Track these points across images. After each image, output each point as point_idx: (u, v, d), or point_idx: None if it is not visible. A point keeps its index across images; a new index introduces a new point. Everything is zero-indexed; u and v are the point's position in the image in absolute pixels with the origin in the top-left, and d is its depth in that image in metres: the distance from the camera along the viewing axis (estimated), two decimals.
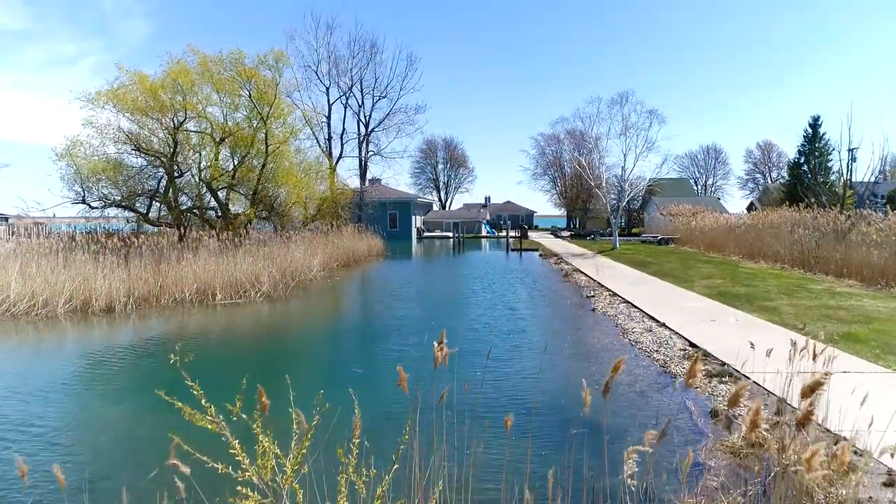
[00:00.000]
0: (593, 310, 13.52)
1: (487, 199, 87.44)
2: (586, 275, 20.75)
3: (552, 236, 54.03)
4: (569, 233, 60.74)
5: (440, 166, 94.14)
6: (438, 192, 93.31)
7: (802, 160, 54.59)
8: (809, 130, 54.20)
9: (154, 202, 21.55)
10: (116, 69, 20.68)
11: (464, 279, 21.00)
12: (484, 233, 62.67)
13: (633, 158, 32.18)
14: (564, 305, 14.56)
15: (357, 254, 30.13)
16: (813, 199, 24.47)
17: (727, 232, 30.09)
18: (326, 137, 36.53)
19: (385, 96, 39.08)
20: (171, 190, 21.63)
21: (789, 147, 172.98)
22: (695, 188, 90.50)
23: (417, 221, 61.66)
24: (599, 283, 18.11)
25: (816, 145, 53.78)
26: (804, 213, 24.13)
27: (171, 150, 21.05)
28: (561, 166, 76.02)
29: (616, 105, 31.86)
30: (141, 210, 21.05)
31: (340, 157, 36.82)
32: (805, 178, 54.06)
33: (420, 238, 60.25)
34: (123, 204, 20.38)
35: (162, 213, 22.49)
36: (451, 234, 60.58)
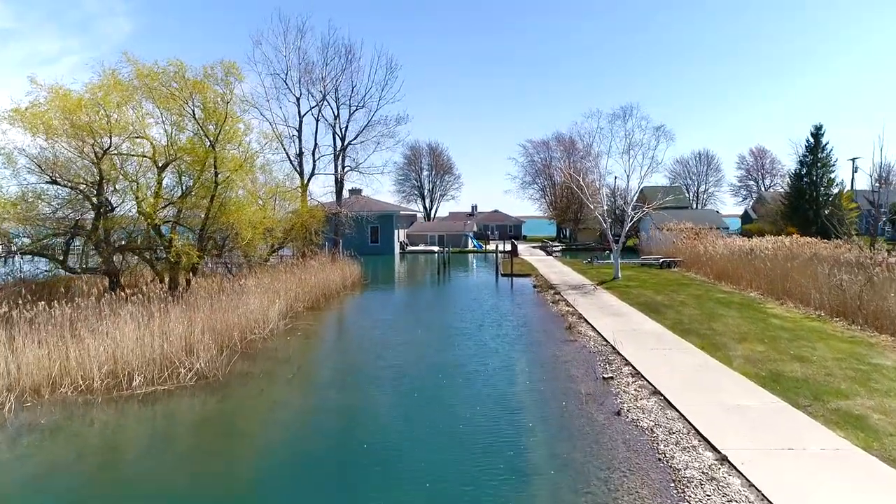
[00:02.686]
0: (618, 413, 10.32)
1: (474, 207, 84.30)
2: (594, 328, 17.59)
3: (542, 252, 50.99)
4: (560, 246, 57.77)
5: (425, 173, 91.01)
6: (423, 199, 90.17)
7: (804, 171, 52.21)
8: (811, 140, 51.83)
9: (74, 244, 17.97)
10: (30, 83, 17.03)
11: (452, 338, 17.70)
12: (470, 246, 59.49)
13: (637, 180, 29.23)
14: (578, 398, 11.35)
15: (330, 288, 26.72)
16: (850, 237, 21.49)
17: (742, 260, 27.19)
18: (297, 153, 33.04)
19: (362, 106, 35.74)
20: (100, 227, 18.06)
21: (782, 154, 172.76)
22: (687, 195, 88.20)
23: (400, 235, 58.36)
24: (613, 347, 14.98)
25: (819, 156, 51.45)
26: (844, 249, 21.23)
27: (97, 179, 17.53)
28: (551, 174, 73.13)
29: (618, 119, 28.84)
30: (59, 255, 17.43)
31: (313, 174, 33.37)
32: (807, 191, 51.70)
33: (403, 253, 56.95)
34: (34, 250, 16.78)
35: (91, 255, 18.91)
36: (435, 249, 57.31)
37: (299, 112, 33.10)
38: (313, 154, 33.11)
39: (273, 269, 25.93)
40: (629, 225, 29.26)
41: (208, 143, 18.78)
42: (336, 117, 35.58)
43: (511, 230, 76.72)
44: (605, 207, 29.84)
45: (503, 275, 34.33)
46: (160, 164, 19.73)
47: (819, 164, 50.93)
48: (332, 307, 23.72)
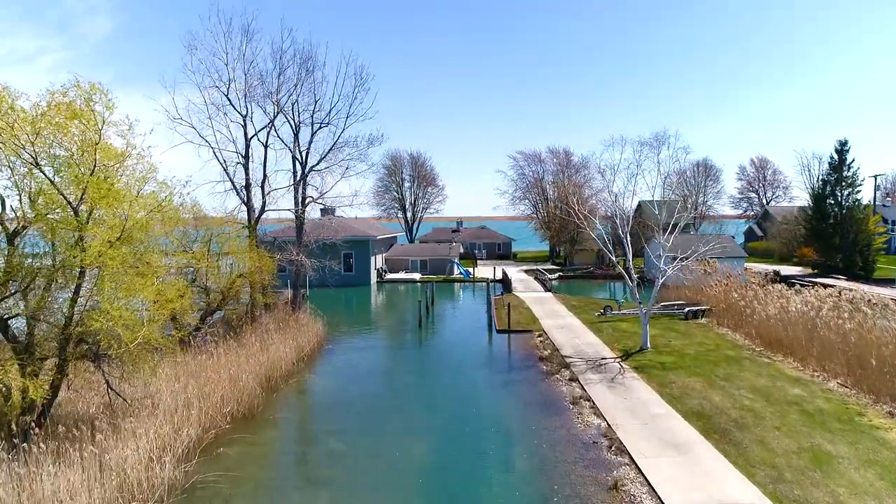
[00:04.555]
0: None
1: (459, 223, 78.13)
2: (654, 491, 11.58)
3: (539, 285, 45.03)
4: (556, 274, 51.92)
5: (406, 184, 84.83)
6: (404, 213, 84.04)
7: (827, 191, 47.05)
8: (835, 157, 46.58)
9: None
10: None
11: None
12: (456, 273, 53.35)
13: (674, 230, 23.51)
14: None
15: (277, 369, 20.46)
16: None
17: (803, 326, 21.53)
18: (244, 184, 26.56)
19: (327, 124, 29.40)
20: None
21: (785, 164, 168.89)
22: (686, 208, 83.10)
23: (378, 261, 52.09)
24: None
25: (844, 174, 46.32)
26: None
27: None
28: (543, 189, 67.36)
29: (648, 147, 22.95)
30: None
31: (263, 211, 26.87)
32: (831, 213, 46.54)
33: (381, 281, 50.73)
34: None
35: None
36: (417, 277, 51.22)
37: (245, 134, 26.61)
38: (262, 187, 26.67)
39: (200, 350, 19.57)
40: (661, 280, 23.34)
41: (70, 210, 12.40)
42: (295, 138, 29.23)
43: (500, 248, 70.79)
44: (630, 253, 23.84)
45: (499, 331, 28.34)
46: (10, 231, 13.35)
47: (844, 184, 45.83)
48: (273, 411, 17.36)
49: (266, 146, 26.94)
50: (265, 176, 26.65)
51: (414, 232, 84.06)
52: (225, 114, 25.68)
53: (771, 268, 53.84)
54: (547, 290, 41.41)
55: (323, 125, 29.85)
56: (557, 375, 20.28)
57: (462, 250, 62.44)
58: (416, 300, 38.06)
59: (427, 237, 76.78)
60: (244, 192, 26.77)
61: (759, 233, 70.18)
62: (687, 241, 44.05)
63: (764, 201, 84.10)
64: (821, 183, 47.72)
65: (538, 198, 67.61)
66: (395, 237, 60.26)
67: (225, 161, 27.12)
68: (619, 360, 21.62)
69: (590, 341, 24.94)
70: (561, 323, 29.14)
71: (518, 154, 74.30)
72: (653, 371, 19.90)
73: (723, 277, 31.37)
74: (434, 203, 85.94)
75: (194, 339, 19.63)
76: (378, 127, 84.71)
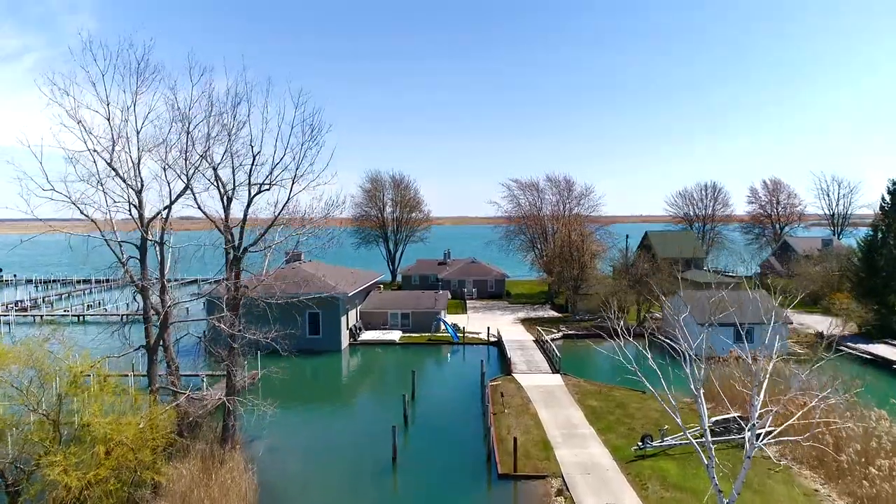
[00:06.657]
0: None
1: (447, 254, 70.36)
2: None
3: (543, 358, 37.53)
4: (560, 333, 44.49)
5: (388, 209, 77.11)
6: (386, 242, 76.31)
7: (878, 239, 40.13)
8: (887, 199, 39.78)
9: None
10: None
11: None
12: (442, 330, 45.61)
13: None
14: None
15: None
16: None
17: None
18: (141, 288, 18.60)
19: (269, 186, 21.70)
20: None
21: (799, 185, 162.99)
22: (691, 230, 76.30)
23: (351, 318, 44.29)
24: None
25: None
26: None
27: None
28: (541, 221, 60.06)
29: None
30: None
31: (165, 327, 18.77)
32: (885, 266, 39.64)
33: (355, 342, 43.01)
34: None
35: None
36: (397, 338, 43.51)
37: (142, 216, 18.68)
38: (162, 298, 18.65)
39: None
40: (748, 452, 15.83)
41: None
42: (225, 209, 21.48)
43: (492, 287, 63.15)
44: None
45: (501, 476, 20.85)
46: None
47: None
48: None
49: (162, 243, 18.84)
50: (164, 285, 18.64)
51: (396, 262, 76.37)
52: (105, 192, 17.82)
53: (805, 318, 47.06)
54: (554, 369, 33.95)
55: (263, 189, 22.22)
56: None
57: (450, 296, 54.82)
58: (394, 369, 30.17)
59: (410, 270, 68.90)
60: (141, 298, 18.86)
61: (778, 267, 63.40)
62: (709, 295, 29.90)
63: (777, 227, 77.38)
64: (870, 230, 40.89)
65: (535, 230, 60.36)
66: (373, 283, 52.51)
67: (121, 246, 19.27)
68: None
69: None
70: (584, 458, 21.66)
71: (513, 182, 67.05)
72: None
73: (794, 388, 23.92)
74: (419, 230, 78.53)
75: None
76: (340, 188, 73.73)
